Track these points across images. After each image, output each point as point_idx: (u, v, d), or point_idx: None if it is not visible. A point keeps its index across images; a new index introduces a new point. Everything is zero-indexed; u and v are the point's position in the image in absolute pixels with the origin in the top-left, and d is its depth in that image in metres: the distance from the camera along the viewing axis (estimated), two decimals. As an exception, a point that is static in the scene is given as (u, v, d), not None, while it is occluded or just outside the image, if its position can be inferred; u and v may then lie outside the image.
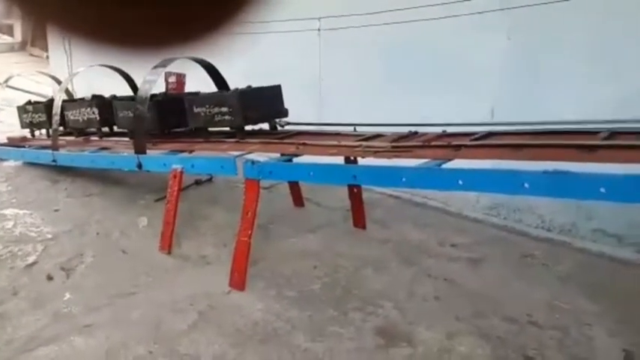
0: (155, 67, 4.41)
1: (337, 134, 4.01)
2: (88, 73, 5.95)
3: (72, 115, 5.57)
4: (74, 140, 5.77)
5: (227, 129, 4.37)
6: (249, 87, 4.21)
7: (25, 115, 6.36)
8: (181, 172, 3.84)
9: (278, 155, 3.71)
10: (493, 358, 2.77)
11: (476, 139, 3.22)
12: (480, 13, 4.33)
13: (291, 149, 3.69)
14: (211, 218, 4.60)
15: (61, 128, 5.69)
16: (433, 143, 3.26)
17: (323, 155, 3.50)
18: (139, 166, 4.21)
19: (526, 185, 2.50)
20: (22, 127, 6.54)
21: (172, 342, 2.88)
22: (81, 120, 5.48)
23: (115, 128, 5.46)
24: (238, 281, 3.36)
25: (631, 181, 2.18)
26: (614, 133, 2.78)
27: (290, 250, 4.01)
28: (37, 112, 6.15)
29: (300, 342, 2.88)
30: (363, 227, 4.40)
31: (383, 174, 3.06)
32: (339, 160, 3.74)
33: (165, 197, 4.06)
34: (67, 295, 3.44)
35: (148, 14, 0.44)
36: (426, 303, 3.33)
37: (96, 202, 5.13)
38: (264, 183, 3.74)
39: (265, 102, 4.22)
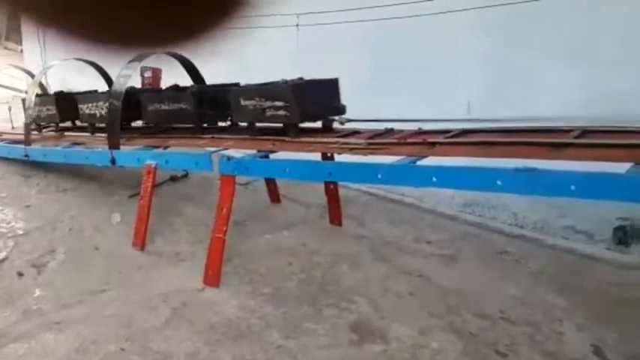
0: (130, 61, 4.36)
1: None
2: (61, 67, 5.86)
3: (88, 108, 5.14)
4: (53, 135, 5.66)
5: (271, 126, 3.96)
6: (301, 79, 3.76)
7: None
8: (155, 168, 3.80)
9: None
10: (465, 353, 2.80)
11: (450, 137, 3.24)
12: (458, 11, 4.35)
13: (268, 145, 3.67)
14: (186, 214, 4.57)
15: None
16: (408, 140, 3.27)
17: (299, 152, 3.50)
18: (113, 161, 4.16)
19: (498, 182, 2.53)
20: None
21: (145, 339, 2.86)
22: (98, 114, 5.05)
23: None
24: (212, 278, 3.34)
25: (599, 179, 2.22)
26: (585, 132, 2.82)
27: (265, 247, 4.00)
28: (44, 105, 5.56)
29: (274, 339, 2.87)
30: (339, 224, 4.41)
31: (358, 171, 3.07)
32: (317, 157, 3.74)
33: (139, 193, 4.01)
34: (38, 292, 3.39)
35: (142, 12, 0.43)
36: (400, 299, 3.35)
37: (69, 198, 5.05)
38: (240, 179, 3.73)
39: (322, 97, 3.76)
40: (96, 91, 5.39)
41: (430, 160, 2.97)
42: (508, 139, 3.00)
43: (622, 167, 2.32)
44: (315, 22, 5.36)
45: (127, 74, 4.34)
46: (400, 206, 4.97)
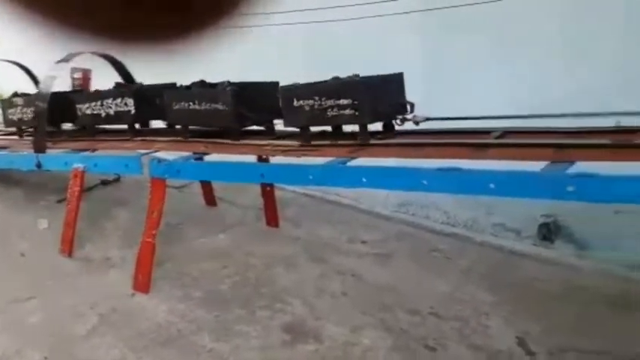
0: (58, 61, 4.22)
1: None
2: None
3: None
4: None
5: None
6: (356, 75, 3.21)
7: (11, 111, 4.91)
8: (83, 172, 3.69)
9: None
10: (395, 349, 2.86)
11: (380, 138, 3.30)
12: (402, 13, 4.37)
13: (201, 148, 3.63)
14: (117, 219, 4.46)
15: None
16: (340, 142, 3.31)
17: (233, 154, 3.47)
18: (38, 165, 4.01)
19: (424, 182, 2.60)
20: (7, 125, 5.17)
21: (70, 347, 2.78)
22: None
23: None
24: (142, 283, 3.28)
25: (516, 177, 2.32)
26: (505, 132, 2.93)
27: (199, 250, 3.96)
28: (29, 107, 4.68)
29: (205, 342, 2.85)
30: (276, 226, 4.41)
31: (290, 172, 3.08)
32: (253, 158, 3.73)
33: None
34: (-43, 303, 3.23)
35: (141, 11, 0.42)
36: (334, 299, 3.38)
37: (-7, 204, 4.84)
38: (176, 182, 3.67)
39: (389, 94, 3.29)
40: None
41: (361, 161, 3.01)
42: (436, 140, 3.08)
43: (540, 166, 2.43)
44: (264, 24, 5.32)
45: (54, 75, 4.20)
46: (337, 207, 5.01)
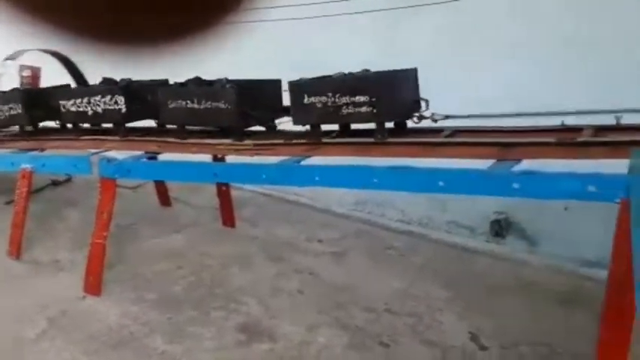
0: (5, 59, 4.09)
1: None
2: None
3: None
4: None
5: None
6: (367, 70, 3.07)
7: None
8: (31, 172, 3.58)
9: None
10: (350, 346, 2.87)
11: (334, 137, 3.30)
12: (351, 14, 4.39)
13: (153, 147, 3.57)
14: (67, 220, 4.35)
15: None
16: (294, 141, 3.30)
17: (185, 153, 3.43)
18: (-16, 166, 3.87)
19: (375, 180, 2.63)
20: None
21: (19, 352, 2.70)
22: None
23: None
24: (93, 285, 3.21)
25: (463, 175, 2.37)
26: (456, 131, 2.98)
27: (153, 251, 3.90)
28: (9, 103, 4.22)
29: (158, 344, 2.81)
30: (232, 226, 4.38)
31: (243, 171, 3.07)
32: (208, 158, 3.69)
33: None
34: None
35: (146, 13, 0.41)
36: (290, 298, 3.38)
37: (-64, 207, 4.65)
38: (129, 182, 3.60)
39: (406, 90, 3.11)
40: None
41: (314, 160, 3.02)
42: (389, 139, 3.10)
43: (488, 164, 2.48)
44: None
45: (1, 72, 4.07)
46: (294, 206, 5.01)
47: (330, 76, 3.07)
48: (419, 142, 2.86)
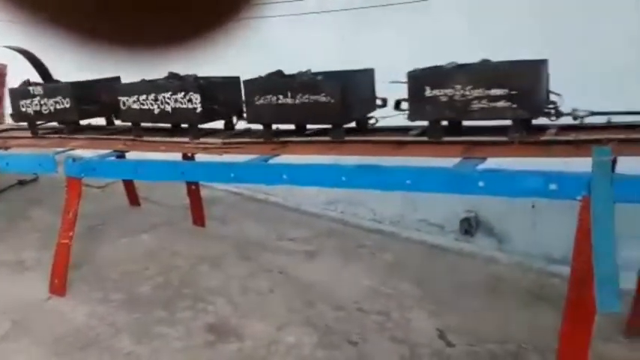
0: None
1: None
2: None
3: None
4: None
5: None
6: (486, 60, 2.67)
7: (24, 102, 3.87)
8: (-6, 171, 3.50)
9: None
10: (319, 345, 2.87)
11: (305, 135, 3.29)
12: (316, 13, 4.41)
13: (120, 145, 3.52)
14: (33, 220, 4.27)
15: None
16: (263, 139, 3.29)
17: (153, 152, 3.39)
18: (-54, 165, 3.77)
19: (343, 178, 2.63)
20: (16, 120, 4.15)
21: (-21, 356, 2.63)
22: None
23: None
24: (59, 286, 3.15)
25: (429, 173, 2.38)
26: (425, 131, 2.97)
27: (121, 252, 3.85)
28: (50, 97, 3.78)
29: (125, 345, 2.77)
30: (202, 225, 4.34)
31: (211, 170, 3.04)
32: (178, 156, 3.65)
33: (-22, 199, 3.69)
34: None
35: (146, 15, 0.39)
36: (260, 297, 3.37)
37: None
38: (98, 182, 3.54)
39: (540, 83, 2.64)
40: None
41: (282, 158, 3.00)
42: (357, 137, 3.10)
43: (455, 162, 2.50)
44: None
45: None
46: (266, 205, 4.99)
47: (465, 65, 2.63)
48: (387, 141, 2.86)
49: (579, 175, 2.10)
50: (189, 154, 3.70)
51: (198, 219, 4.34)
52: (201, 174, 3.12)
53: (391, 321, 3.14)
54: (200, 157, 3.55)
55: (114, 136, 3.60)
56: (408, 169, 2.43)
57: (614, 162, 2.18)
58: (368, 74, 3.05)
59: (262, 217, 4.68)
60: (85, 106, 3.70)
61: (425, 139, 2.72)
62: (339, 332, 2.99)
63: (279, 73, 3.04)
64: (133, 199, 4.64)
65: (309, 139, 3.14)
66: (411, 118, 2.74)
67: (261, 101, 2.95)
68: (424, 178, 2.41)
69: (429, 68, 2.71)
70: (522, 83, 2.48)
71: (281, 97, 2.89)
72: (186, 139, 3.42)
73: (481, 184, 2.27)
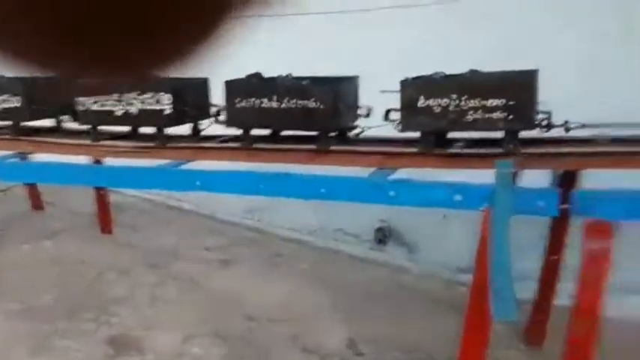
0: None
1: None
2: None
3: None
4: None
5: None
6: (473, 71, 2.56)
7: None
8: None
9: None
10: (227, 357, 2.81)
11: (223, 141, 3.21)
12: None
13: (28, 147, 3.28)
14: None
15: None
16: (178, 144, 3.18)
17: (60, 154, 3.19)
18: None
19: (261, 186, 2.60)
20: None
21: None
22: None
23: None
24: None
25: (344, 183, 2.40)
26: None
27: (21, 259, 3.62)
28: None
29: (21, 358, 2.59)
30: (110, 232, 4.15)
31: (120, 175, 2.91)
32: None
33: None
34: None
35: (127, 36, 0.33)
36: (168, 307, 3.26)
37: None
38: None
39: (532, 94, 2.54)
40: None
41: (195, 164, 2.91)
42: (276, 145, 3.04)
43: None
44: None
45: None
46: (179, 212, 4.85)
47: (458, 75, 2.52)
48: (306, 150, 2.81)
49: (483, 186, 2.18)
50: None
51: (106, 226, 4.15)
52: (110, 179, 2.97)
53: (302, 331, 3.12)
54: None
55: (24, 138, 3.31)
56: (322, 178, 2.43)
57: (515, 175, 2.27)
58: (353, 82, 2.90)
59: (174, 225, 4.55)
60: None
61: (343, 148, 2.71)
62: (249, 343, 2.95)
63: (258, 76, 2.89)
64: (37, 202, 4.38)
65: (289, 146, 2.94)
66: (403, 128, 2.60)
67: (243, 104, 2.78)
68: (338, 187, 2.42)
69: (423, 77, 2.60)
70: (518, 94, 2.41)
71: (265, 100, 2.75)
72: (94, 142, 3.25)
73: (392, 193, 2.31)
